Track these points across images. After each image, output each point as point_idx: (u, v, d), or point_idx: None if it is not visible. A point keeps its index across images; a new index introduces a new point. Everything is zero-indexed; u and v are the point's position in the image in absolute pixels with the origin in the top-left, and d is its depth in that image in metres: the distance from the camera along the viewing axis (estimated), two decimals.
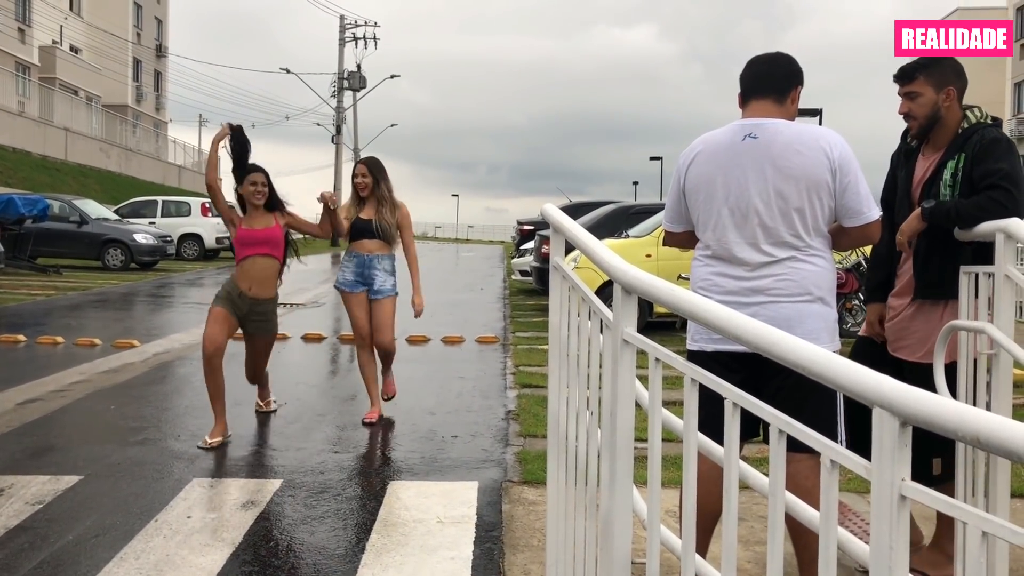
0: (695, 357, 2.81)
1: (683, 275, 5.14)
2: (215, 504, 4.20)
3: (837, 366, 1.23)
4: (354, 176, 5.85)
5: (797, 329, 2.71)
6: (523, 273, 16.69)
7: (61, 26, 42.89)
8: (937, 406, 1.06)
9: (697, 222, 2.96)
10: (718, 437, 1.59)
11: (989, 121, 3.20)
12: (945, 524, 3.25)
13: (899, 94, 3.24)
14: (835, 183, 2.79)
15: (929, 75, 3.17)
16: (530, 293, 16.16)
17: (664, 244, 3.24)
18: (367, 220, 5.81)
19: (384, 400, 6.15)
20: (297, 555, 3.61)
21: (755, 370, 2.69)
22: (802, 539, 2.73)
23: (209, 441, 5.16)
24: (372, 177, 5.78)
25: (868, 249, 9.20)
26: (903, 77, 3.22)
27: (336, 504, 4.26)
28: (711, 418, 1.72)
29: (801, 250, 2.81)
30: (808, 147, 2.79)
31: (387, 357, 6.14)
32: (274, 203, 5.55)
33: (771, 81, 2.94)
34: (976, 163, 3.07)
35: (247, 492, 4.37)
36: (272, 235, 5.45)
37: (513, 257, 19.82)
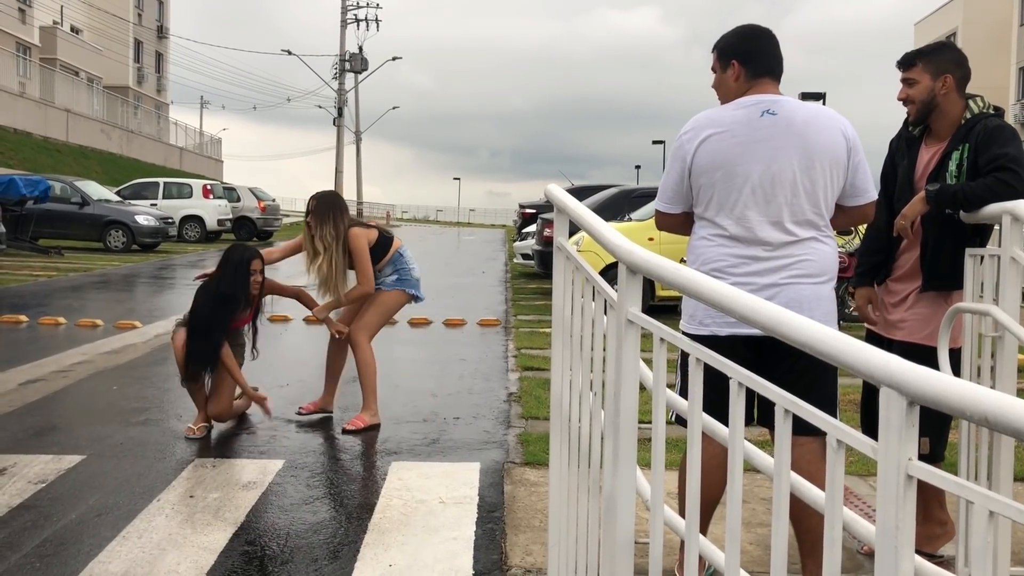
0: (706, 343, 2.75)
1: (685, 258, 5.12)
2: (217, 484, 4.21)
3: (845, 345, 1.22)
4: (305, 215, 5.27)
5: (816, 311, 2.72)
6: (525, 256, 16.68)
7: (62, 6, 42.68)
8: (945, 385, 1.05)
9: (709, 202, 2.82)
10: (721, 423, 1.58)
11: (991, 111, 3.22)
12: (931, 496, 3.27)
13: (900, 81, 3.28)
14: (849, 162, 2.79)
15: (928, 63, 3.20)
16: (532, 276, 16.16)
17: (657, 225, 3.09)
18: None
19: (344, 431, 5.20)
20: (299, 535, 3.62)
21: (762, 353, 2.68)
22: (805, 523, 2.73)
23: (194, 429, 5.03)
24: (316, 215, 5.13)
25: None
26: (903, 64, 3.26)
27: (338, 485, 4.27)
28: (715, 404, 1.71)
29: (821, 229, 2.80)
30: (827, 125, 2.78)
31: (358, 365, 5.31)
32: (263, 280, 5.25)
33: (780, 63, 2.91)
34: (981, 151, 3.09)
35: (249, 472, 4.38)
36: (242, 323, 5.27)
37: (515, 241, 19.80)
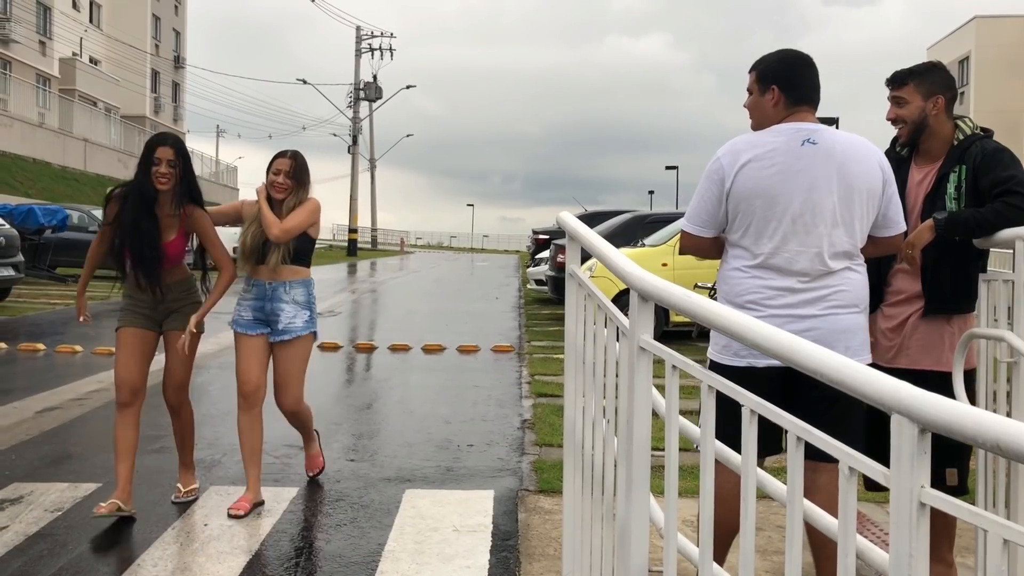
0: (742, 374, 2.58)
1: (700, 284, 5.10)
2: None
3: (855, 373, 1.23)
4: (272, 171, 4.28)
5: (853, 341, 2.70)
6: (538, 282, 16.70)
7: (81, 38, 43.35)
8: (956, 412, 1.05)
9: (747, 229, 2.75)
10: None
11: (980, 132, 3.21)
12: (943, 533, 3.19)
13: (888, 99, 3.25)
14: (884, 193, 2.79)
15: (920, 83, 3.18)
16: (545, 302, 16.16)
17: (681, 250, 3.00)
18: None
19: (309, 476, 4.69)
20: (313, 563, 3.61)
21: (799, 382, 2.61)
22: (826, 550, 2.69)
23: (119, 507, 3.97)
24: (294, 179, 4.25)
25: None
26: (894, 82, 3.24)
27: (352, 512, 4.26)
28: (737, 434, 1.69)
29: (854, 259, 2.77)
30: (865, 156, 2.76)
31: (298, 424, 4.55)
32: (186, 191, 4.22)
33: (818, 91, 2.87)
34: (982, 173, 3.06)
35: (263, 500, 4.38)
36: (171, 252, 4.25)
37: (528, 266, 19.83)
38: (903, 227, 2.88)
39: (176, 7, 55.05)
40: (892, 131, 3.28)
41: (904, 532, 1.11)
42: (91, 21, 45.90)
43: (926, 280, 3.15)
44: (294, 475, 4.84)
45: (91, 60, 44.68)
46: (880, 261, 3.26)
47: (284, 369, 4.32)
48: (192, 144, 55.46)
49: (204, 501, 4.34)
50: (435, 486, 4.70)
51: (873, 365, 3.27)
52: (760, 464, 2.00)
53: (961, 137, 3.16)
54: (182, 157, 4.16)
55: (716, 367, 2.71)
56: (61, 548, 3.71)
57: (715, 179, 2.79)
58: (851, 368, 1.24)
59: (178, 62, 55.28)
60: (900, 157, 3.33)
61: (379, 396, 7.43)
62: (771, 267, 2.72)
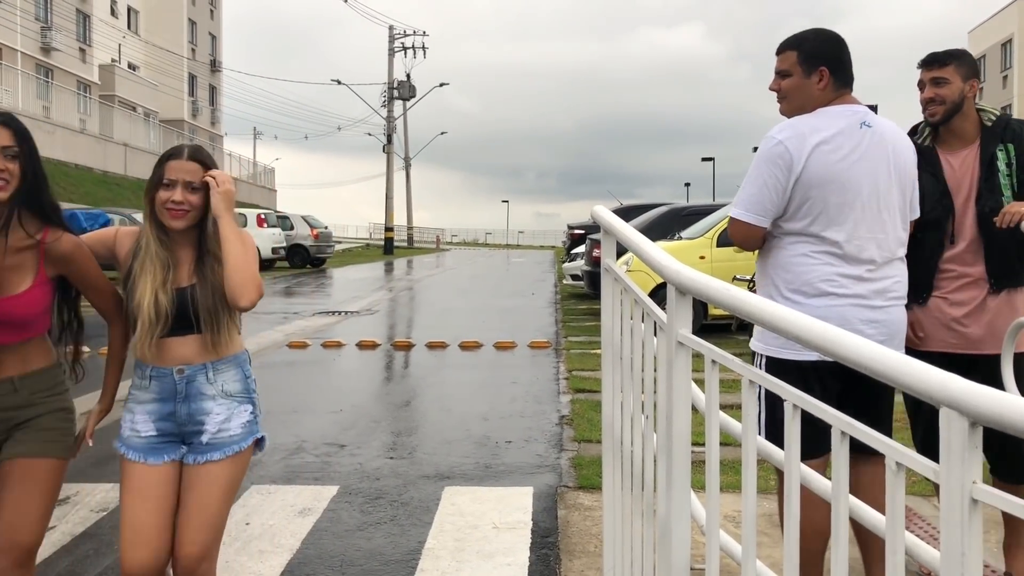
0: (812, 369, 2.54)
1: (738, 276, 5.05)
2: (273, 511, 4.24)
3: (901, 365, 1.19)
4: (166, 183, 2.43)
5: (906, 332, 2.73)
6: (574, 277, 16.67)
7: (119, 44, 44.04)
8: (1009, 406, 1.01)
9: (817, 217, 2.60)
10: (824, 455, 1.47)
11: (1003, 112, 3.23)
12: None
13: (924, 80, 3.17)
14: (914, 179, 2.77)
15: (960, 65, 3.16)
16: (582, 297, 16.12)
17: (736, 238, 2.76)
18: (181, 290, 2.51)
19: None
20: (354, 561, 3.63)
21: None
22: (874, 547, 2.65)
23: None
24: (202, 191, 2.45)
25: None
26: (935, 63, 3.17)
27: (392, 510, 4.27)
28: (811, 439, 1.65)
29: (904, 247, 2.74)
30: (905, 140, 2.75)
31: None
32: (35, 201, 2.44)
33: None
34: None
35: (304, 498, 4.41)
36: (15, 313, 2.42)
37: (564, 262, 19.80)
38: (918, 213, 2.85)
39: (211, 11, 55.70)
40: (920, 118, 3.24)
41: (956, 530, 1.08)
42: (129, 27, 46.59)
43: (993, 255, 3.06)
44: (334, 473, 4.87)
45: (130, 66, 45.37)
46: (932, 250, 3.07)
47: (200, 501, 2.44)
48: (230, 146, 56.21)
49: (245, 500, 4.38)
50: (474, 483, 4.70)
51: (949, 355, 3.08)
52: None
53: (993, 118, 3.15)
54: (25, 145, 2.36)
55: (779, 364, 2.61)
56: (107, 548, 3.76)
57: (780, 164, 2.59)
58: (897, 360, 1.21)
59: (214, 66, 55.93)
60: (923, 147, 3.25)
61: (417, 393, 7.45)
62: (841, 255, 2.61)
